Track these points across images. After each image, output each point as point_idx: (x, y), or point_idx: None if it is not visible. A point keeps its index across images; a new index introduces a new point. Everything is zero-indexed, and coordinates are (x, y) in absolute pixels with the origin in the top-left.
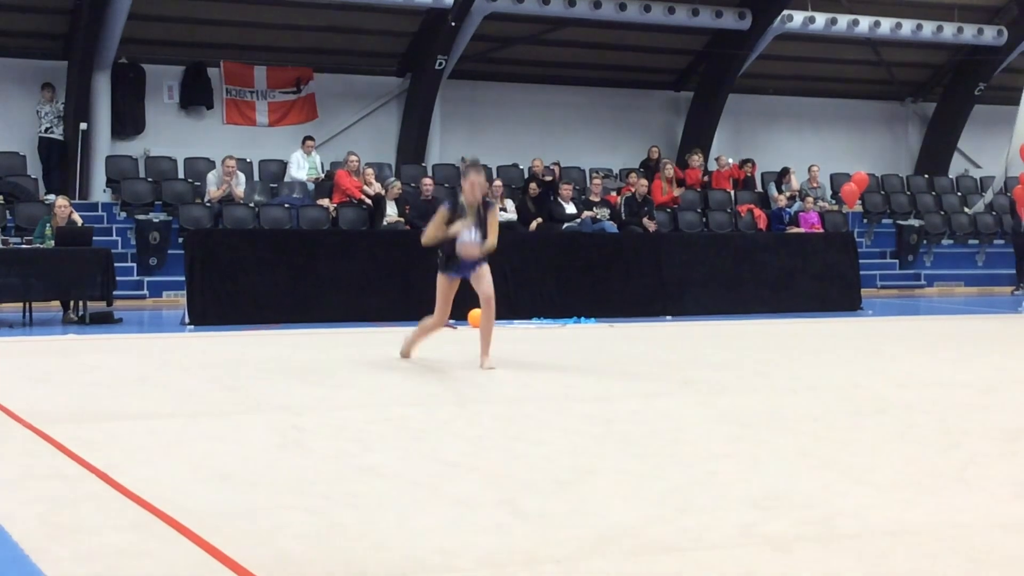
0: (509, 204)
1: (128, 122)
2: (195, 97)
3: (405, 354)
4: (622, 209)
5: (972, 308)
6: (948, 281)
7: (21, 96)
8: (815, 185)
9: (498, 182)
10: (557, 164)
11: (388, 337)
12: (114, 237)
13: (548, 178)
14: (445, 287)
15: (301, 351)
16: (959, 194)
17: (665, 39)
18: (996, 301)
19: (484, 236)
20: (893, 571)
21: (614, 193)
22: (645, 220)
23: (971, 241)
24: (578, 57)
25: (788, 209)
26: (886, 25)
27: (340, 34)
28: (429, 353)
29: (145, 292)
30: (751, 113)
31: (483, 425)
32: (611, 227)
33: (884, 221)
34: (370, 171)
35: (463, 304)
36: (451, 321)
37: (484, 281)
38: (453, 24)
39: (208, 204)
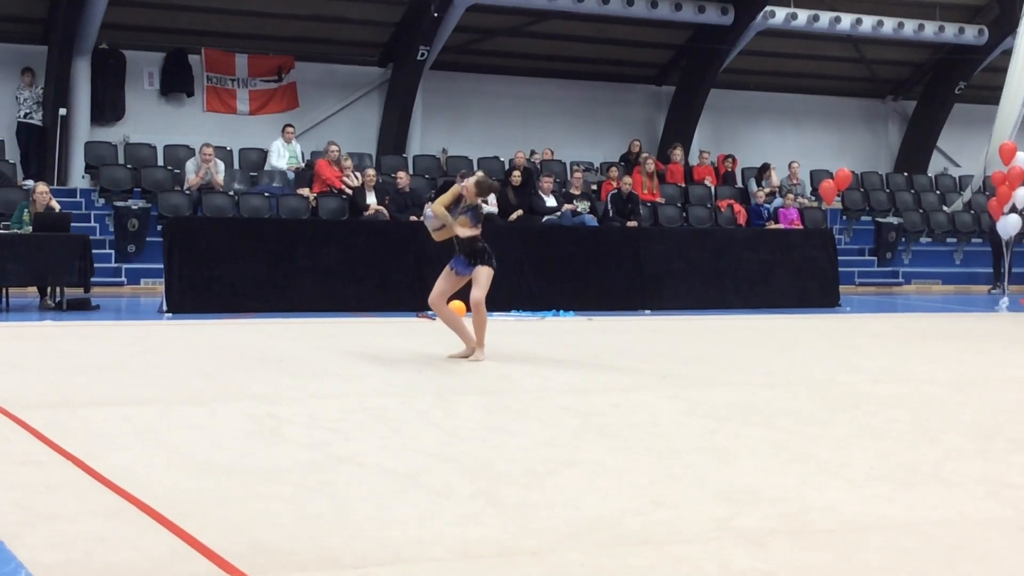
0: (491, 197)
1: (108, 108)
2: (176, 84)
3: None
4: (609, 206)
5: (949, 306)
6: (926, 279)
7: (0, 81)
8: (795, 181)
9: (480, 174)
10: (550, 151)
11: (366, 327)
12: (92, 224)
13: (518, 173)
14: (445, 273)
15: (279, 340)
16: (938, 192)
17: (647, 33)
18: (973, 299)
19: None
20: (867, 565)
21: (593, 186)
22: (630, 223)
23: (949, 239)
24: (560, 50)
25: (768, 205)
26: (868, 23)
27: (322, 23)
28: (407, 344)
29: (123, 279)
30: (732, 109)
31: (460, 416)
32: (591, 220)
33: (863, 218)
34: (349, 163)
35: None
36: (429, 313)
37: (473, 287)
38: (436, 15)
39: (187, 192)
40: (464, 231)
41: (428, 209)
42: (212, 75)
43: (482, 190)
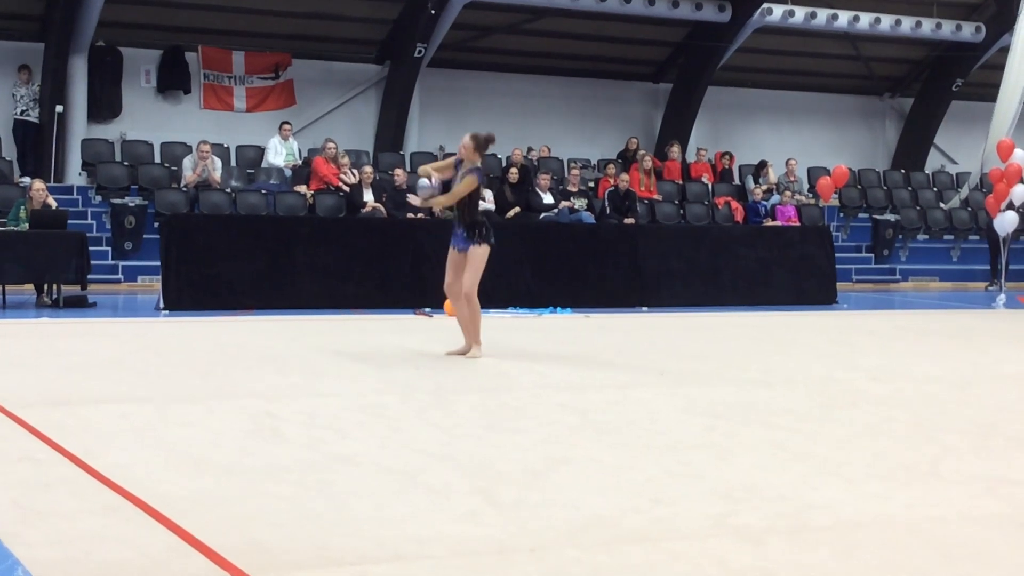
0: (488, 194)
1: (105, 105)
2: (173, 81)
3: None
4: (606, 203)
5: (946, 303)
6: (923, 276)
7: None
8: (792, 179)
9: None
10: (547, 149)
11: (364, 325)
12: (89, 221)
13: (516, 170)
14: (450, 256)
15: (276, 338)
16: (935, 189)
17: (645, 30)
18: (970, 296)
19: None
20: (865, 564)
21: (591, 183)
22: (627, 220)
23: (946, 236)
24: (558, 47)
25: (765, 202)
26: (865, 20)
27: (319, 20)
28: (404, 341)
29: (120, 277)
30: (730, 106)
31: (458, 414)
32: (588, 217)
33: (860, 215)
34: (346, 160)
35: (438, 291)
36: (426, 309)
37: (465, 273)
38: (433, 12)
39: (184, 189)
40: (462, 186)
41: (421, 179)
42: (209, 72)
43: (479, 144)
